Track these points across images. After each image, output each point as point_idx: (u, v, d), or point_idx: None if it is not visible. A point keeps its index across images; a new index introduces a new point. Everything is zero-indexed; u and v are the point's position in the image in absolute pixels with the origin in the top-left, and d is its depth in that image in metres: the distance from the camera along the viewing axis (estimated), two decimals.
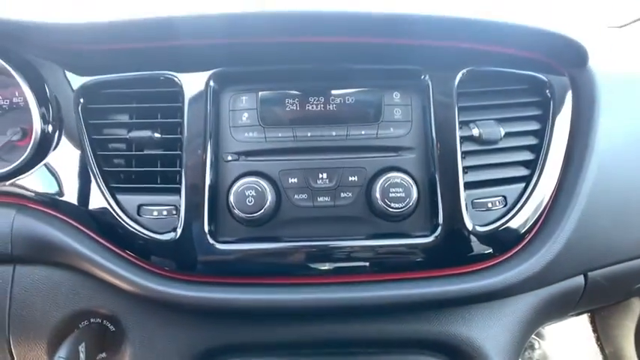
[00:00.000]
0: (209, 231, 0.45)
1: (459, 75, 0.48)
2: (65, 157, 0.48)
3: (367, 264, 0.47)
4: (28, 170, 0.48)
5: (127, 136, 0.48)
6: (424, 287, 0.46)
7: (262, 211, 0.45)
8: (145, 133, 0.47)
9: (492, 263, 0.48)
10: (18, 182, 0.50)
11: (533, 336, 1.05)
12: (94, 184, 0.47)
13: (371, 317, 0.49)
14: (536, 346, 1.14)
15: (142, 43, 0.47)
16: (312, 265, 0.46)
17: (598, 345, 1.12)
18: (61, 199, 0.48)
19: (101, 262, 0.45)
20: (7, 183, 0.49)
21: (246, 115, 0.49)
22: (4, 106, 0.60)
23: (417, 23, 0.46)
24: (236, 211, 0.45)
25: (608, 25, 1.06)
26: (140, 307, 0.48)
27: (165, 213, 0.46)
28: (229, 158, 0.48)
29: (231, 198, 0.45)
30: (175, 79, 0.47)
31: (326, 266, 0.47)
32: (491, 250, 0.47)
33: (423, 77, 0.48)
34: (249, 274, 0.47)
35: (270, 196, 0.45)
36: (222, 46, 0.48)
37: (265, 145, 0.48)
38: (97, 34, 0.46)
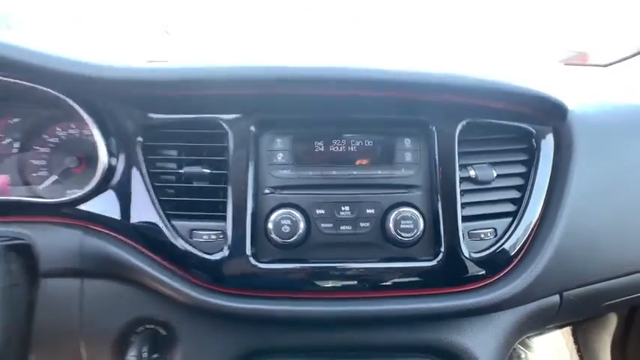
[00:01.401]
0: (251, 253, 0.54)
1: (460, 125, 0.58)
2: (126, 186, 0.57)
3: (380, 282, 0.56)
4: (93, 197, 0.57)
5: (180, 171, 0.57)
6: (427, 302, 0.56)
7: (295, 237, 0.54)
8: (196, 169, 0.57)
9: (483, 284, 0.57)
10: (83, 207, 0.58)
11: (520, 346, 1.15)
12: (152, 211, 0.56)
13: (382, 326, 0.58)
14: (523, 356, 1.23)
15: (197, 91, 0.57)
16: (335, 283, 0.56)
17: (578, 355, 1.21)
18: (121, 222, 0.57)
19: (158, 276, 0.54)
20: (75, 207, 0.58)
21: (281, 155, 0.58)
22: (62, 137, 0.68)
23: (427, 84, 0.56)
24: (273, 237, 0.54)
25: (593, 63, 1.17)
26: (189, 314, 0.57)
27: (213, 237, 0.55)
28: (267, 192, 0.57)
29: (270, 225, 0.54)
30: (222, 122, 0.57)
31: (346, 283, 0.56)
32: (483, 273, 0.57)
33: (429, 127, 0.58)
34: (283, 289, 0.55)
35: (302, 225, 0.54)
36: (262, 97, 0.57)
37: (297, 182, 0.57)
38: (162, 85, 0.55)
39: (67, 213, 0.58)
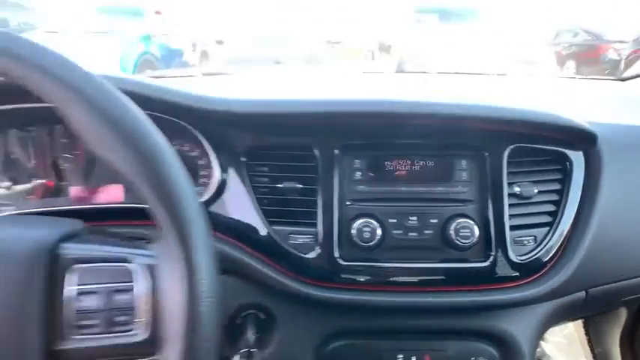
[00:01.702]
0: (338, 253, 0.67)
1: (508, 150, 0.70)
2: (234, 198, 0.70)
3: (440, 279, 0.69)
4: (208, 206, 0.70)
5: (278, 185, 0.69)
6: (479, 296, 0.68)
7: (374, 241, 0.66)
8: (291, 184, 0.69)
9: (525, 282, 0.69)
10: None
11: None
12: (256, 218, 0.68)
13: (441, 315, 0.71)
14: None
15: (295, 121, 0.69)
16: (404, 279, 0.68)
17: (589, 346, 1.34)
18: (231, 227, 0.69)
19: (264, 271, 0.67)
20: None
21: (359, 173, 0.70)
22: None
23: (485, 118, 0.68)
24: (356, 240, 0.66)
25: (611, 78, 1.28)
26: (285, 301, 0.70)
27: (306, 240, 0.68)
28: (348, 203, 0.69)
29: (353, 232, 0.67)
30: (312, 146, 0.69)
31: (413, 279, 0.68)
32: (525, 273, 0.69)
33: (483, 151, 0.70)
34: (363, 283, 0.68)
35: (379, 231, 0.67)
36: (346, 125, 0.70)
37: (373, 195, 0.69)
38: (271, 116, 0.68)
39: None
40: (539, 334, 0.73)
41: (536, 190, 0.70)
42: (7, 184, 0.74)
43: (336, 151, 0.69)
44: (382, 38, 7.56)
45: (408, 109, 0.67)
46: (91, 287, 0.38)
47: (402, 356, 0.70)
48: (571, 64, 6.94)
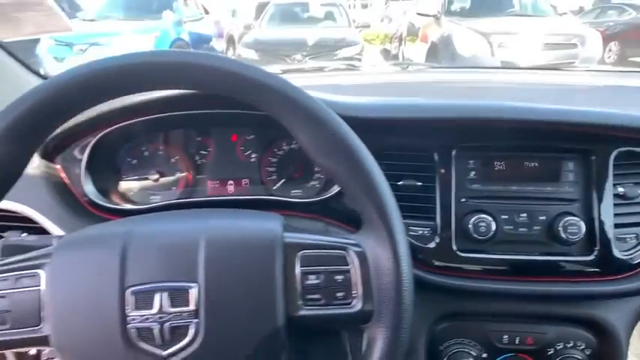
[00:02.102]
0: (455, 245, 0.75)
1: (615, 153, 0.75)
2: None
3: (546, 270, 0.76)
4: (336, 199, 0.78)
5: (399, 183, 0.77)
6: (581, 287, 0.75)
7: (488, 235, 0.74)
8: (410, 182, 0.77)
9: (624, 276, 0.76)
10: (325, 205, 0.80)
11: None
12: None
13: (544, 302, 0.78)
14: None
15: (419, 125, 0.76)
16: (514, 269, 0.76)
17: None
18: (354, 218, 0.77)
19: None
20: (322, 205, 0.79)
21: (473, 172, 0.77)
22: (286, 150, 0.88)
23: (595, 124, 0.74)
24: (472, 234, 0.74)
25: None
26: None
27: (426, 232, 0.76)
28: (463, 200, 0.76)
29: (470, 226, 0.74)
30: (431, 147, 0.76)
31: (520, 269, 0.76)
32: (625, 268, 0.75)
33: (590, 154, 0.76)
34: (475, 272, 0.76)
35: (493, 226, 0.74)
36: (463, 129, 0.77)
37: (486, 194, 0.76)
38: (400, 120, 0.75)
39: (315, 209, 0.79)
40: (633, 325, 0.80)
41: (639, 191, 0.76)
42: (156, 176, 0.84)
43: (454, 152, 0.76)
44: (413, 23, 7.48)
45: (530, 116, 0.74)
46: (313, 269, 0.47)
47: (506, 337, 0.78)
48: (614, 46, 6.61)
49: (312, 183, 0.87)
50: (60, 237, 0.61)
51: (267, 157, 0.87)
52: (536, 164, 0.77)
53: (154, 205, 0.81)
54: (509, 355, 0.78)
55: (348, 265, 0.47)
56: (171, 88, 0.50)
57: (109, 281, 0.43)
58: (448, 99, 0.82)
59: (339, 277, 0.47)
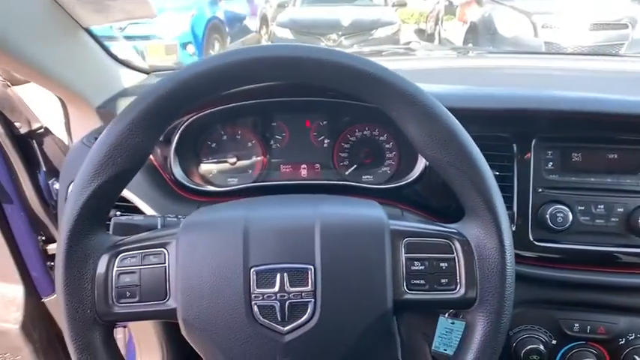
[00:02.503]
0: (532, 235, 0.76)
1: None
2: (436, 180, 0.80)
3: (620, 261, 0.76)
4: (413, 185, 0.80)
5: None
6: None
7: (565, 226, 0.74)
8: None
9: None
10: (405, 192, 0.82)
11: None
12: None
13: (616, 292, 0.78)
14: None
15: (501, 115, 0.77)
16: (588, 259, 0.76)
17: None
18: (433, 206, 0.80)
19: None
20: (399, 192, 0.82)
21: (550, 163, 0.77)
22: (358, 136, 0.90)
23: None
24: (549, 224, 0.75)
25: None
26: None
27: None
28: (540, 190, 0.77)
29: (547, 216, 0.75)
30: (510, 137, 0.77)
31: (595, 260, 0.76)
32: None
33: None
34: (549, 260, 0.77)
35: (569, 217, 0.74)
36: (545, 120, 0.77)
37: (563, 184, 0.77)
38: (481, 112, 0.76)
39: (389, 195, 0.81)
40: None
41: None
42: (234, 159, 0.88)
43: (533, 142, 0.76)
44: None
45: (613, 109, 0.73)
46: (418, 255, 0.50)
47: (577, 325, 0.79)
48: None
49: (384, 169, 0.89)
50: (166, 217, 0.66)
51: (340, 142, 0.90)
52: (616, 156, 0.77)
53: (234, 187, 0.85)
54: (579, 343, 0.79)
55: (452, 254, 0.50)
56: (292, 81, 0.52)
57: (234, 261, 0.47)
58: (528, 88, 0.81)
59: (444, 265, 0.49)
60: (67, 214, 0.47)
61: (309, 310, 0.47)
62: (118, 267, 0.49)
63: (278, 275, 0.47)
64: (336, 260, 0.48)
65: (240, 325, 0.47)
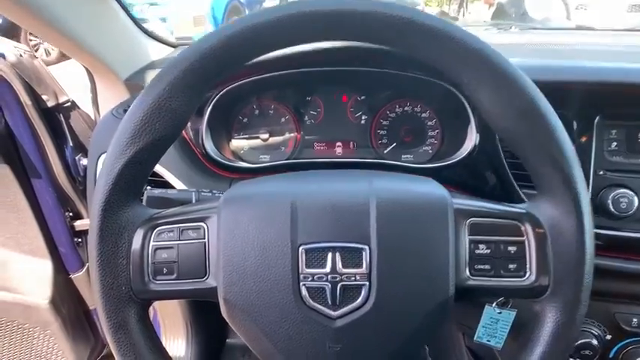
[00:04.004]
0: None
1: None
2: (481, 160, 0.74)
3: None
4: (456, 167, 0.75)
5: None
6: None
7: (629, 212, 0.68)
8: None
9: None
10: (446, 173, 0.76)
11: None
12: (506, 179, 0.72)
13: None
14: None
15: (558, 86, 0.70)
16: None
17: None
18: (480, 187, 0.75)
19: None
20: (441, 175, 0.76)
21: (615, 143, 0.71)
22: (398, 113, 0.84)
23: None
24: (611, 210, 0.68)
25: None
26: None
27: None
28: (601, 173, 0.70)
29: (609, 201, 0.68)
30: (570, 115, 0.70)
31: None
32: None
33: None
34: (611, 250, 0.71)
35: (635, 202, 0.68)
36: (609, 95, 0.69)
37: (628, 167, 0.70)
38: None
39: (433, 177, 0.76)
40: None
41: None
42: (266, 135, 0.84)
43: (597, 120, 0.70)
44: None
45: None
46: (484, 238, 0.45)
47: (636, 320, 0.73)
48: None
49: (424, 148, 0.84)
50: (200, 192, 0.63)
51: (379, 119, 0.84)
52: None
53: (266, 164, 0.81)
54: (636, 339, 0.74)
55: (522, 237, 0.44)
56: (360, 40, 0.45)
57: (281, 238, 0.43)
58: (590, 60, 0.74)
59: (512, 248, 0.44)
60: (101, 184, 0.43)
61: (362, 294, 0.42)
62: (154, 241, 0.45)
63: (329, 255, 0.42)
64: (393, 241, 0.43)
65: (286, 307, 0.43)
